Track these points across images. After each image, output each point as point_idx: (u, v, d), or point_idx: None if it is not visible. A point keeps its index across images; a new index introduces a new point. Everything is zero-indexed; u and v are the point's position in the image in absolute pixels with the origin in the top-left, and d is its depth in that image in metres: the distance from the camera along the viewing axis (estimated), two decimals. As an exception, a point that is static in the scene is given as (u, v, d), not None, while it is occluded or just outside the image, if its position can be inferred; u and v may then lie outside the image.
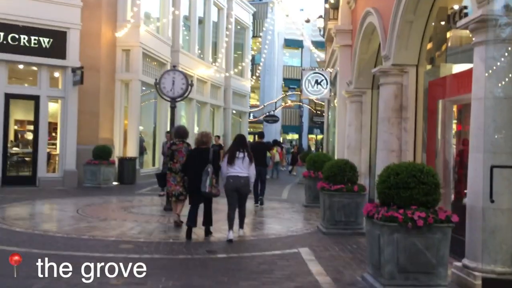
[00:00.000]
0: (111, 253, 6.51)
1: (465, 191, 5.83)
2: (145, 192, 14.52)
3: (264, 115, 38.95)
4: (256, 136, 13.95)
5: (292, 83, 53.29)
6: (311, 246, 7.46)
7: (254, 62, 43.73)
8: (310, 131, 52.95)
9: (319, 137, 55.32)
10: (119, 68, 17.67)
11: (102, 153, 15.68)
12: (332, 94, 13.58)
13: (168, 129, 11.33)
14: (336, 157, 12.40)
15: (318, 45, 45.08)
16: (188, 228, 7.65)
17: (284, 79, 53.69)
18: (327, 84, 12.88)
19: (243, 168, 7.61)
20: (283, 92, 50.47)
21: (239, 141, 7.95)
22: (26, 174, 15.47)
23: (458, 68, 7.25)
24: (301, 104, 47.59)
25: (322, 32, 19.35)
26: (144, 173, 18.11)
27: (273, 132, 47.21)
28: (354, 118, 11.99)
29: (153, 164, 20.07)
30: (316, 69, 13.48)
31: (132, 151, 17.60)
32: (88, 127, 16.33)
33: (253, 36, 40.70)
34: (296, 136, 54.13)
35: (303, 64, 55.50)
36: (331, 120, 17.41)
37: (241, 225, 7.99)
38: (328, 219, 8.39)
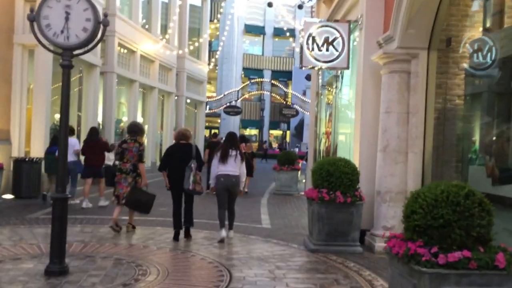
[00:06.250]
0: None
1: None
2: (43, 216, 9.06)
3: (224, 105, 33.61)
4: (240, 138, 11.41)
5: (252, 73, 48.32)
6: None
7: (211, 49, 38.62)
8: (273, 126, 47.97)
9: (278, 132, 50.35)
10: (19, 27, 12.07)
11: (-18, 153, 10.14)
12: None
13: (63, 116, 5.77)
14: (358, 165, 7.47)
15: (280, 32, 40.24)
16: (176, 232, 7.37)
17: (244, 69, 48.62)
18: (343, 44, 7.86)
19: (235, 166, 7.45)
20: (242, 83, 45.44)
21: (232, 139, 7.75)
22: None
23: None
24: (263, 92, 42.45)
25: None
26: (59, 181, 12.53)
27: (231, 126, 42.04)
28: (396, 101, 7.02)
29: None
30: (327, 21, 8.37)
31: (38, 150, 12.03)
32: (-37, 112, 10.71)
33: (210, 21, 35.64)
34: (255, 132, 49.20)
35: (265, 53, 50.59)
36: (324, 108, 12.45)
37: (230, 226, 7.65)
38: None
